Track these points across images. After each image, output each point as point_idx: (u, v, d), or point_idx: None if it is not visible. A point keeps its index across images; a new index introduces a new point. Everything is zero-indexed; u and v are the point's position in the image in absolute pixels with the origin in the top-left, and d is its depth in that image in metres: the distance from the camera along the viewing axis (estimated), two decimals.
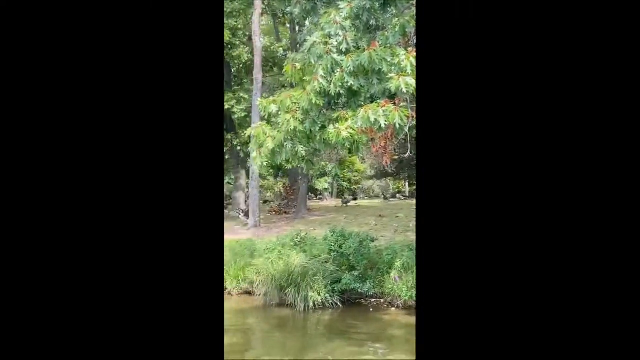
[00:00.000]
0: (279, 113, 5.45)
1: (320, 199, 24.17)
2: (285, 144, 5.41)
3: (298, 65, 5.49)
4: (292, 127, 5.26)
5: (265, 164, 5.52)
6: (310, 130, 5.40)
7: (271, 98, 5.67)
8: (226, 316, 8.87)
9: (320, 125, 5.44)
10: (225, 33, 14.64)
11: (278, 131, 5.44)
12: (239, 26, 15.18)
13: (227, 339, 7.74)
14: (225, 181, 26.07)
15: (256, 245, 10.59)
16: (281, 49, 16.65)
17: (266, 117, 5.66)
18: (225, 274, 10.25)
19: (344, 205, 19.55)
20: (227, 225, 15.06)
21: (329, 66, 5.07)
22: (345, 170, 22.77)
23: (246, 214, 15.35)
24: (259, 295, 9.39)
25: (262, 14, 14.96)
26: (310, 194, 20.20)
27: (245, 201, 16.94)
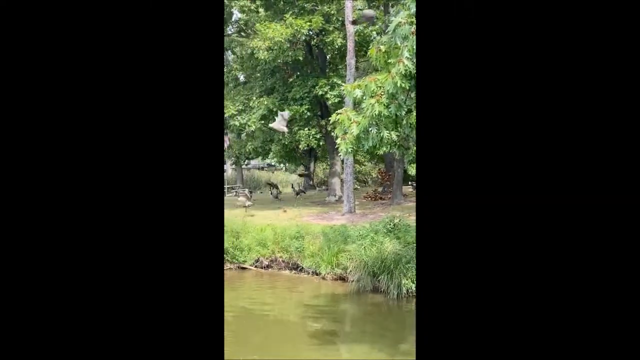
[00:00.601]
0: (364, 98, 5.29)
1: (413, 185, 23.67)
2: (370, 129, 5.24)
3: (383, 48, 5.28)
4: (377, 112, 5.09)
5: (350, 150, 5.39)
6: (396, 115, 5.20)
7: (356, 83, 5.52)
8: (321, 301, 8.97)
9: (406, 110, 5.23)
10: (318, 19, 14.63)
11: (363, 116, 5.29)
12: (332, 12, 15.08)
13: (321, 324, 7.82)
14: (322, 167, 26.33)
15: (349, 232, 10.54)
16: (374, 32, 16.36)
17: (351, 102, 5.51)
18: (319, 260, 10.38)
19: None
20: (323, 210, 15.19)
21: (414, 47, 4.83)
22: None
23: (341, 200, 15.35)
24: (352, 281, 9.38)
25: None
26: (410, 181, 19.79)
27: (341, 187, 16.96)
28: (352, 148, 5.39)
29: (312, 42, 16.59)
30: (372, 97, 5.19)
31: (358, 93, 5.32)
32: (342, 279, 9.95)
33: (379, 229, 10.02)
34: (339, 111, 5.57)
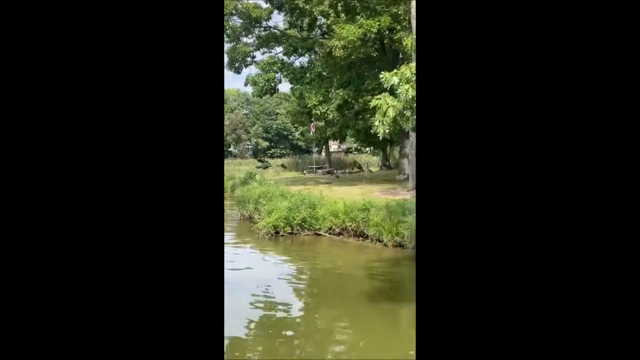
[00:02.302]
0: (400, 84, 5.03)
1: None
2: (404, 112, 4.98)
3: None
4: (410, 96, 4.82)
5: (388, 131, 5.16)
6: None
7: (394, 71, 5.25)
8: (379, 264, 8.86)
9: None
10: (386, 19, 14.16)
11: (398, 101, 5.03)
12: (400, 12, 14.53)
13: (375, 284, 7.71)
14: (398, 150, 25.77)
15: (409, 205, 10.26)
16: None
17: (388, 88, 5.26)
18: (382, 229, 10.21)
19: None
20: (392, 187, 14.89)
21: None
22: None
23: (408, 178, 14.96)
24: (409, 248, 9.19)
25: None
26: None
27: (409, 166, 16.53)
28: (390, 129, 5.16)
29: (385, 41, 16.14)
30: (407, 82, 4.92)
31: (395, 80, 5.06)
32: (401, 245, 9.74)
33: None
34: (377, 96, 5.34)
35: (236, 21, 19.36)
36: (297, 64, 20.07)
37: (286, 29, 20.53)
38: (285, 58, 19.75)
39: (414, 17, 13.07)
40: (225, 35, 19.46)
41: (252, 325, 5.87)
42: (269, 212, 12.07)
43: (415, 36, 4.87)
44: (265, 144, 79.22)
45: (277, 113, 72.72)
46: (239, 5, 18.68)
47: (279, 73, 18.87)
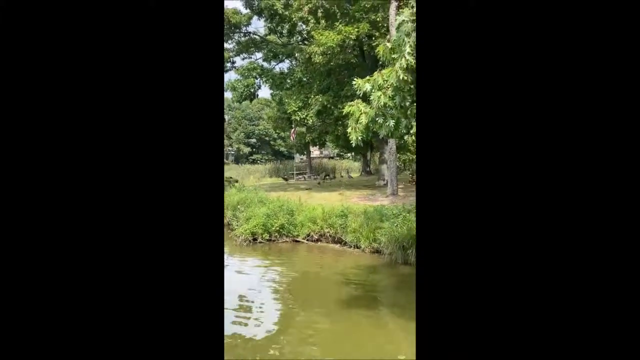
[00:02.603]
0: (372, 91, 5.01)
1: None
2: (377, 119, 4.96)
3: (389, 45, 4.97)
4: (382, 103, 4.80)
5: (360, 137, 5.14)
6: (401, 105, 4.88)
7: (367, 77, 5.23)
8: (355, 271, 8.80)
9: (410, 100, 4.89)
10: (364, 26, 14.23)
11: (371, 107, 5.01)
12: (378, 19, 14.61)
13: (349, 291, 7.65)
14: (378, 156, 25.84)
15: (386, 211, 10.25)
16: None
17: (360, 95, 5.24)
18: (359, 235, 10.18)
19: None
20: (371, 193, 14.91)
21: (415, 43, 4.49)
22: None
23: (387, 184, 14.99)
24: (386, 254, 9.17)
25: (400, 7, 14.16)
26: None
27: (387, 171, 16.57)
28: (362, 136, 5.13)
29: (364, 47, 16.21)
30: (379, 89, 4.90)
31: (368, 87, 5.05)
32: (378, 252, 9.72)
33: (411, 209, 9.67)
34: (350, 103, 5.31)
35: None
36: (277, 69, 20.06)
37: (266, 35, 20.48)
38: (265, 64, 19.71)
39: (392, 24, 13.15)
40: None
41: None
42: (247, 219, 11.94)
43: (388, 44, 4.87)
44: (247, 149, 78.78)
45: (259, 118, 72.47)
46: None
47: (259, 79, 18.80)
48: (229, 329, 5.85)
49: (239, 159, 75.65)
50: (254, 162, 67.08)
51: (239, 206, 13.08)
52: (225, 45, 20.16)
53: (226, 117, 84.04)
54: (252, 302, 7.22)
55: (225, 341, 5.68)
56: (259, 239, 11.41)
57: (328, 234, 11.04)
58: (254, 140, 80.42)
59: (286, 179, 24.18)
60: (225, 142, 78.62)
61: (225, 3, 18.90)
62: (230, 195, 14.87)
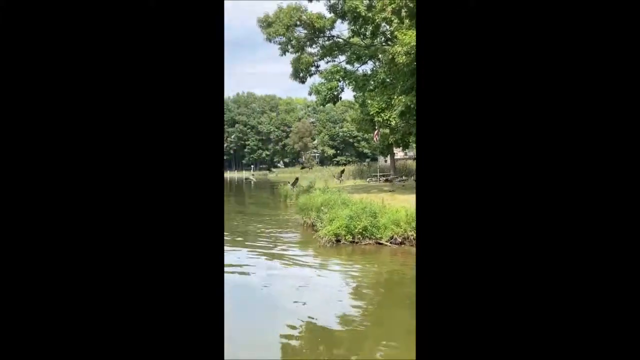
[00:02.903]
0: None
1: None
2: None
3: None
4: None
5: None
6: None
7: None
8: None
9: None
10: None
11: None
12: None
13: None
14: None
15: None
16: None
17: None
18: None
19: None
20: None
21: None
22: None
23: None
24: None
25: None
26: None
27: None
28: None
29: None
30: None
31: None
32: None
33: None
34: None
35: (301, 32, 19.73)
36: (359, 71, 20.09)
37: (350, 38, 20.62)
38: (348, 66, 19.84)
39: None
40: (290, 46, 19.89)
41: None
42: (330, 221, 12.10)
43: None
44: (331, 151, 79.83)
45: (344, 120, 73.09)
46: (303, 17, 19.02)
47: (342, 81, 18.97)
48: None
49: (323, 161, 76.90)
50: (337, 163, 67.83)
51: (322, 207, 13.27)
52: (310, 49, 20.62)
53: (310, 119, 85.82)
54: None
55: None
56: (342, 241, 11.50)
57: (412, 237, 10.85)
58: (338, 142, 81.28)
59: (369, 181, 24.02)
60: (310, 144, 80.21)
61: (309, 7, 19.29)
62: (314, 197, 15.17)
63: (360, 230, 11.48)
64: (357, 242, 11.50)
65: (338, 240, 11.53)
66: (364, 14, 17.06)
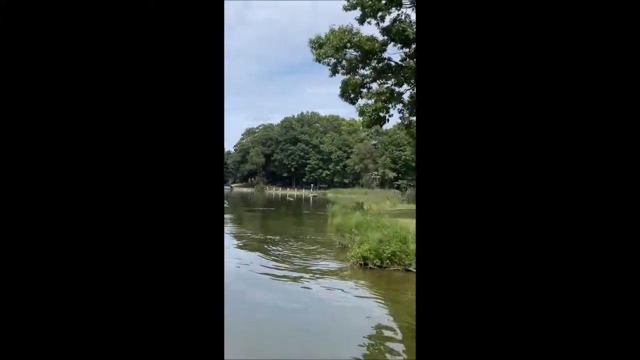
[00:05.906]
0: None
1: None
2: None
3: None
4: None
5: None
6: None
7: None
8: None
9: None
10: None
11: None
12: None
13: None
14: None
15: None
16: None
17: None
18: None
19: None
20: None
21: None
22: None
23: None
24: None
25: None
26: None
27: None
28: None
29: None
30: None
31: None
32: None
33: None
34: None
35: (352, 54, 19.92)
36: (408, 94, 19.86)
37: (402, 60, 20.51)
38: (396, 88, 19.67)
39: None
40: (341, 67, 20.11)
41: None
42: (360, 244, 11.92)
43: None
44: (392, 174, 79.00)
45: (408, 144, 72.24)
46: (355, 38, 19.22)
47: (388, 103, 18.83)
48: None
49: (384, 184, 76.21)
50: (398, 187, 66.93)
51: (354, 230, 13.13)
52: (362, 71, 20.73)
53: (373, 142, 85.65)
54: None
55: None
56: (370, 265, 11.26)
57: None
58: (399, 165, 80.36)
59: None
60: (372, 166, 79.89)
61: (361, 30, 19.45)
62: (352, 218, 15.04)
63: (389, 255, 11.19)
64: (385, 267, 11.21)
65: (365, 264, 11.30)
66: (412, 37, 16.93)
